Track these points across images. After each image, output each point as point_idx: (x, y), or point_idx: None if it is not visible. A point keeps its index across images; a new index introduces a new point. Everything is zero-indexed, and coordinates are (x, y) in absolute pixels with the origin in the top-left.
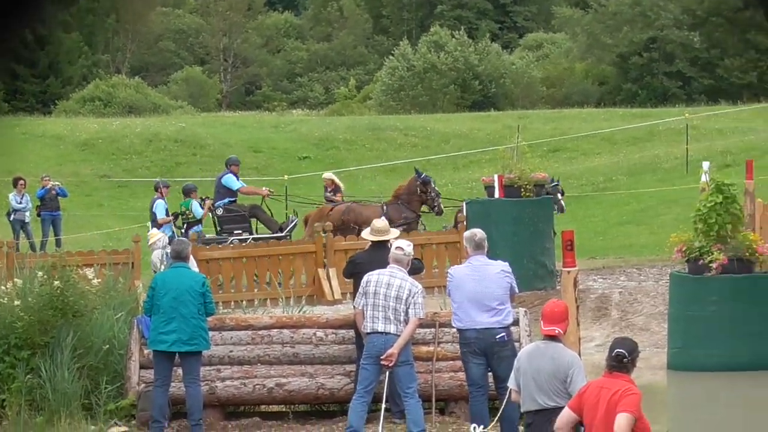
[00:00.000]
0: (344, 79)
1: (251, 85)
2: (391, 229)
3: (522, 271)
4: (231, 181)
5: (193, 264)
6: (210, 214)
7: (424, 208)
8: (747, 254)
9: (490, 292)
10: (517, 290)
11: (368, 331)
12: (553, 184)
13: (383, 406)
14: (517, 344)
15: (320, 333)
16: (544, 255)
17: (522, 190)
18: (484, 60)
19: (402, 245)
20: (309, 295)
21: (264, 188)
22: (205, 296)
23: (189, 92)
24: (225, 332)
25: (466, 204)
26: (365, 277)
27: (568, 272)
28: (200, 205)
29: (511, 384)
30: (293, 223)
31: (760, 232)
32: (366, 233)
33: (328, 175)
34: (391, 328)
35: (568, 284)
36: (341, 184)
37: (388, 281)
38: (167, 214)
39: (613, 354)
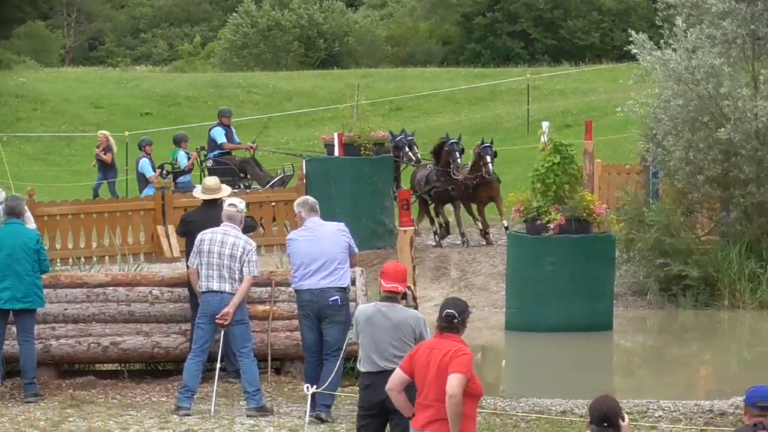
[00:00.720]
0: (188, 36)
1: (95, 40)
2: (223, 187)
3: (361, 230)
4: (217, 134)
5: (30, 220)
6: (200, 165)
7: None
8: (584, 215)
9: (327, 251)
10: (356, 250)
11: (203, 290)
12: (408, 137)
13: (218, 365)
14: (352, 303)
15: (156, 291)
16: (383, 213)
17: (362, 148)
18: (329, 18)
19: (235, 202)
20: (148, 252)
21: (248, 142)
22: (39, 253)
23: (32, 47)
24: (60, 290)
25: (306, 162)
26: (199, 236)
27: (404, 231)
28: (187, 155)
29: (353, 338)
30: (279, 177)
31: (599, 193)
32: (197, 191)
33: (103, 132)
34: (226, 287)
35: (405, 244)
36: (114, 145)
37: (222, 239)
38: (153, 170)
39: (443, 315)
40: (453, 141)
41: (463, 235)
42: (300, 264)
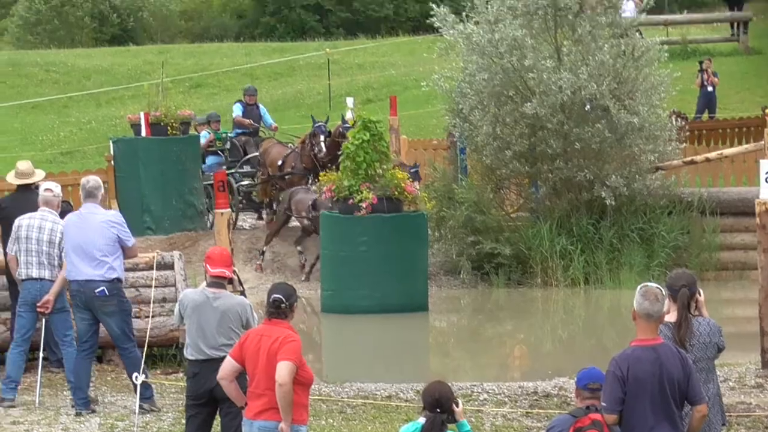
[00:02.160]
0: None
1: None
2: (37, 171)
3: (171, 212)
4: (234, 109)
5: None
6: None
7: None
8: (396, 193)
9: (92, 242)
10: (129, 243)
11: (23, 277)
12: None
13: (41, 354)
14: (172, 288)
15: None
16: (193, 194)
17: (168, 127)
18: None
19: (51, 187)
20: None
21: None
22: None
23: None
24: None
25: (113, 143)
26: (16, 222)
27: (221, 214)
28: (208, 135)
29: (176, 322)
30: None
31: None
32: (10, 176)
33: None
34: (46, 274)
35: (222, 226)
36: None
37: (40, 225)
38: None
39: (270, 300)
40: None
41: None
42: (68, 251)
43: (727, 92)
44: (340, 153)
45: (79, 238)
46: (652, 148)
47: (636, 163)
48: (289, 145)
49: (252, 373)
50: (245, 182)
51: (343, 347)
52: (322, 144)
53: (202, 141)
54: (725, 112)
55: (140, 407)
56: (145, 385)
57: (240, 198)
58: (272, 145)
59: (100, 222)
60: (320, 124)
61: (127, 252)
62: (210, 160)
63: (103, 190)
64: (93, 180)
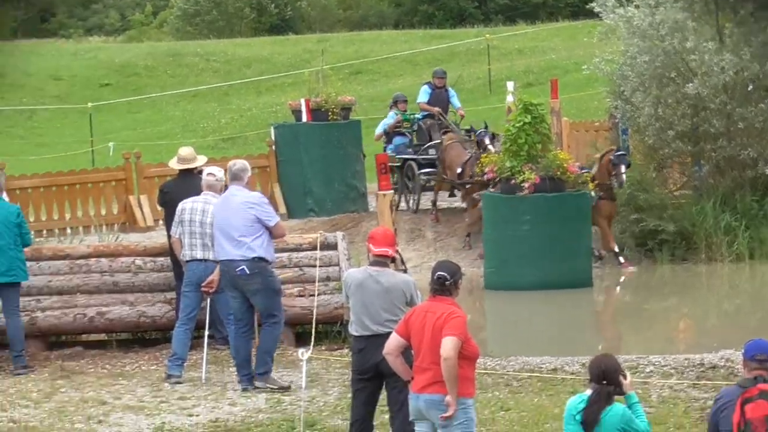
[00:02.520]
0: (140, 5)
1: (45, 12)
2: (198, 157)
3: (334, 195)
4: (421, 93)
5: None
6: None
7: None
8: (558, 173)
9: (231, 223)
10: (271, 222)
11: (187, 258)
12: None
13: (206, 332)
14: (336, 268)
15: (139, 261)
16: (355, 178)
17: (329, 113)
18: None
19: (213, 171)
20: (122, 222)
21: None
22: (20, 227)
23: None
24: (42, 262)
25: (274, 128)
26: (180, 206)
27: (384, 195)
28: (394, 116)
29: (344, 301)
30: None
31: (569, 150)
32: (173, 162)
33: None
34: (210, 255)
35: (385, 207)
36: None
37: (203, 208)
38: (385, 128)
39: (435, 277)
40: (620, 153)
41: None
42: (214, 232)
43: None
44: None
45: (221, 219)
46: None
47: None
48: (468, 150)
49: (417, 348)
50: (426, 170)
51: (507, 323)
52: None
53: (390, 121)
54: None
55: (254, 386)
56: (259, 363)
57: (422, 183)
58: (452, 144)
59: (239, 203)
60: (620, 153)
61: (272, 231)
62: (397, 140)
63: (249, 173)
64: (240, 163)
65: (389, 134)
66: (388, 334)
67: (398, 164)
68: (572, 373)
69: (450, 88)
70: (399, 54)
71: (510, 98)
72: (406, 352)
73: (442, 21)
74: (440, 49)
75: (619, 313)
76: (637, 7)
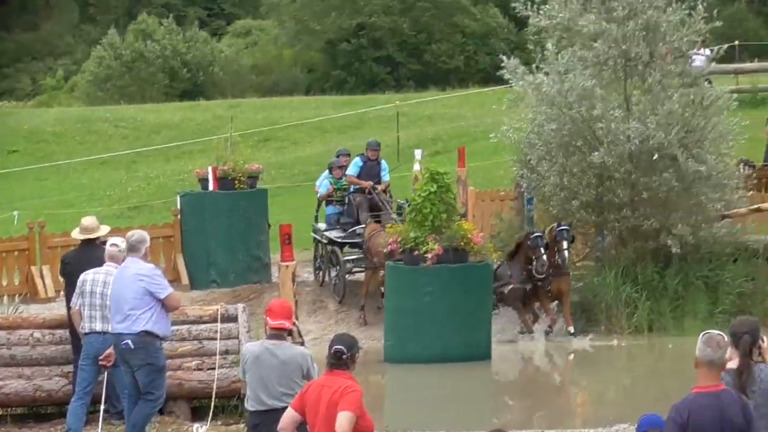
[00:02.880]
0: (51, 70)
1: None
2: (101, 226)
3: (237, 265)
4: (352, 164)
5: None
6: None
7: None
8: (462, 244)
9: (122, 295)
10: (162, 294)
11: (86, 331)
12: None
13: (102, 407)
14: (235, 340)
15: (37, 334)
16: (259, 248)
17: (236, 181)
18: (193, 48)
19: (116, 242)
20: (24, 293)
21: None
22: None
23: None
24: None
25: (180, 197)
26: (81, 277)
27: (287, 266)
28: (329, 184)
29: (240, 376)
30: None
31: (473, 221)
32: (75, 232)
33: None
34: (109, 328)
35: (287, 279)
36: None
37: (104, 279)
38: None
39: (331, 351)
40: (537, 234)
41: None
42: (110, 305)
43: None
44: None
45: (115, 291)
46: (719, 196)
47: (703, 211)
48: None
49: (312, 423)
50: (352, 257)
51: (405, 397)
52: (544, 258)
53: (322, 191)
54: None
55: None
56: None
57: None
58: (376, 233)
59: (131, 275)
60: (537, 235)
61: (165, 303)
62: (329, 210)
63: (147, 244)
64: (137, 234)
65: (322, 202)
66: (284, 408)
67: (324, 241)
68: None
69: (383, 161)
70: (308, 121)
71: (417, 167)
72: (301, 428)
73: (354, 87)
74: (350, 115)
75: (517, 386)
76: (546, 74)
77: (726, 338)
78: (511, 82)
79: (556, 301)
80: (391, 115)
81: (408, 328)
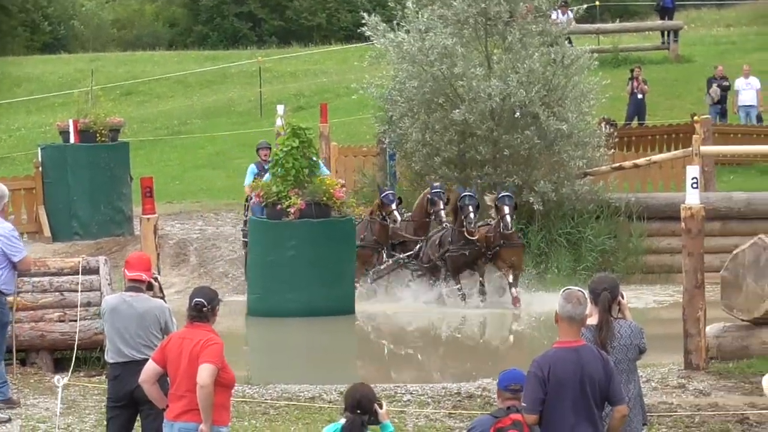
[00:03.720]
0: None
1: None
2: None
3: (99, 217)
4: (247, 174)
5: None
6: None
7: None
8: (324, 199)
9: None
10: (16, 258)
11: None
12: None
13: None
14: (97, 293)
15: None
16: (121, 200)
17: (97, 134)
18: (54, 1)
19: None
20: None
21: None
22: None
23: None
24: None
25: (41, 149)
26: None
27: (148, 219)
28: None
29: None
30: None
31: (336, 176)
32: None
33: None
34: None
35: (148, 231)
36: None
37: None
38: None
39: (192, 304)
40: (466, 194)
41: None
42: None
43: (656, 99)
44: (428, 220)
45: None
46: (580, 154)
47: (564, 169)
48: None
49: (174, 376)
50: None
51: (268, 350)
52: (396, 214)
53: (249, 181)
54: (655, 119)
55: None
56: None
57: None
58: None
59: None
60: (387, 192)
61: (16, 266)
62: (255, 207)
63: (6, 199)
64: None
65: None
66: (144, 360)
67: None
68: (330, 402)
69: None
70: (171, 75)
71: (279, 122)
72: (162, 380)
73: (216, 42)
74: (213, 70)
75: (381, 340)
76: (407, 32)
77: (586, 294)
78: (372, 39)
79: (500, 272)
80: (253, 71)
81: (272, 281)
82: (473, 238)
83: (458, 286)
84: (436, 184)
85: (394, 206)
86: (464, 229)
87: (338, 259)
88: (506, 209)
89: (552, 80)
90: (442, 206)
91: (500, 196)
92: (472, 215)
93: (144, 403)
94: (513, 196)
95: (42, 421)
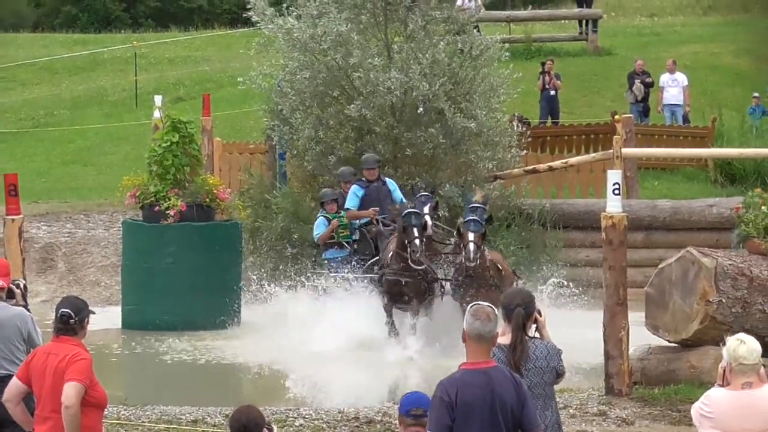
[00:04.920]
0: None
1: None
2: None
3: None
4: (349, 197)
5: None
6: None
7: None
8: (207, 200)
9: None
10: None
11: None
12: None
13: None
14: None
15: None
16: None
17: None
18: None
19: None
20: None
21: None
22: None
23: None
24: None
25: None
26: None
27: (12, 220)
28: (327, 221)
29: None
30: None
31: (219, 175)
32: None
33: None
34: None
35: (13, 234)
36: None
37: None
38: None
39: (58, 315)
40: (408, 210)
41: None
42: None
43: (573, 96)
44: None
45: None
46: (490, 155)
47: (472, 171)
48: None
49: (38, 395)
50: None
51: (145, 367)
52: (417, 241)
53: (319, 230)
54: (571, 116)
55: None
56: None
57: None
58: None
59: None
60: (409, 210)
61: None
62: (329, 254)
63: None
64: None
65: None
66: (7, 377)
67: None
68: (214, 425)
69: (389, 180)
70: (37, 60)
71: (157, 114)
72: (28, 399)
73: (86, 25)
74: (83, 55)
75: (270, 358)
76: (298, 17)
77: (496, 310)
78: (259, 24)
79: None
80: (128, 57)
81: (148, 291)
82: (419, 267)
83: (389, 319)
84: (422, 185)
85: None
86: (407, 255)
87: (222, 266)
88: (470, 236)
89: (458, 72)
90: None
91: (466, 219)
92: (418, 242)
93: (8, 425)
94: (482, 222)
95: None
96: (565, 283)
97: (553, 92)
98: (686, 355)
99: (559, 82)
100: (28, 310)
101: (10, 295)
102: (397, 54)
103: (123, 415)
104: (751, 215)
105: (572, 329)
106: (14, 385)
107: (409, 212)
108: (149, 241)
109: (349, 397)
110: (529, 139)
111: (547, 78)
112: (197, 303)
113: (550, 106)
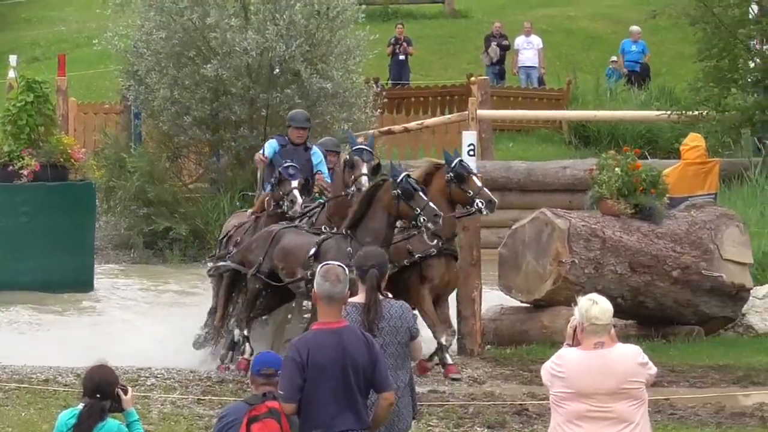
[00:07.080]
0: None
1: None
2: None
3: None
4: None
5: None
6: None
7: None
8: (61, 160)
9: None
10: None
11: None
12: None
13: None
14: None
15: None
16: None
17: None
18: None
19: None
20: None
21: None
22: None
23: None
24: None
25: None
26: None
27: None
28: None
29: None
30: None
31: (75, 135)
32: None
33: None
34: None
35: None
36: None
37: None
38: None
39: None
40: (360, 146)
41: None
42: None
43: (430, 58)
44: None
45: None
46: (346, 116)
47: (328, 131)
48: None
49: None
50: None
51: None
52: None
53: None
54: (427, 78)
55: None
56: None
57: None
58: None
59: None
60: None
61: None
62: None
63: None
64: None
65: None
66: None
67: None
68: (66, 385)
69: (314, 147)
70: None
71: (12, 74)
72: None
73: None
74: None
75: (123, 317)
76: None
77: (347, 271)
78: None
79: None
80: None
81: (2, 251)
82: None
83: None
84: (356, 134)
85: (295, 184)
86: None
87: (76, 227)
88: (364, 167)
89: (315, 34)
90: (364, 170)
91: (355, 147)
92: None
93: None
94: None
95: None
96: None
97: (402, 57)
98: (538, 315)
99: (410, 48)
100: None
101: None
102: (254, 15)
103: None
104: (605, 177)
105: None
106: None
107: (358, 147)
108: (2, 201)
109: (202, 356)
110: (385, 101)
111: (397, 43)
112: (51, 263)
113: (399, 71)
